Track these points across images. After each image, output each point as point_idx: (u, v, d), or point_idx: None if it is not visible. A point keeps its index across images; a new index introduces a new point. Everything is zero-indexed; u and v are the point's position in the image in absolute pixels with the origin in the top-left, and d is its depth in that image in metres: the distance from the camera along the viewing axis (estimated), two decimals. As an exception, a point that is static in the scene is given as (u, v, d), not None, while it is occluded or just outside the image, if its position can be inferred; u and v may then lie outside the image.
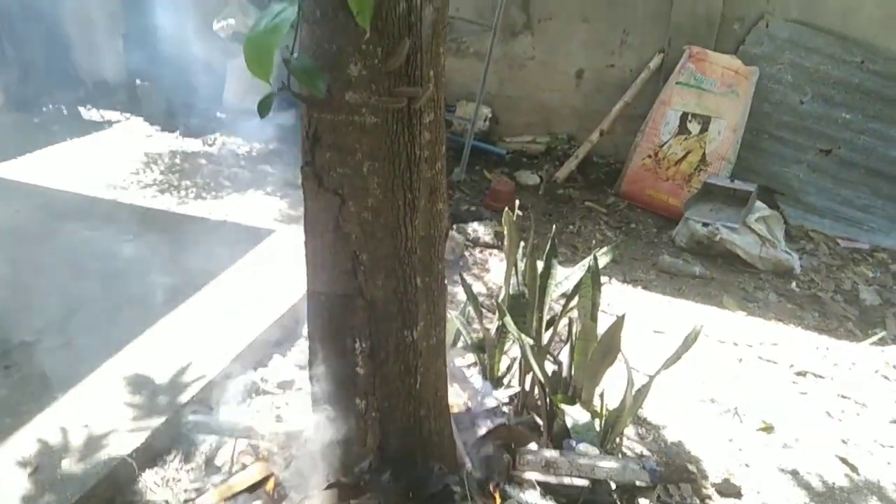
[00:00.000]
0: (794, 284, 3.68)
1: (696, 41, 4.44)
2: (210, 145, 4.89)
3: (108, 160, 4.45)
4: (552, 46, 4.91)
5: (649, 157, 4.47)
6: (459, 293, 2.98)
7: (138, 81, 5.33)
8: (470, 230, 3.86)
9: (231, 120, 5.07)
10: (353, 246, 1.29)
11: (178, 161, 4.55)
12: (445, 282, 1.50)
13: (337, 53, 1.13)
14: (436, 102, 1.27)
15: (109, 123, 5.24)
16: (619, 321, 1.93)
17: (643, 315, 3.24)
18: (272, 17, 0.97)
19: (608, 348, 1.99)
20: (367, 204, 1.26)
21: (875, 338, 3.18)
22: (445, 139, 1.36)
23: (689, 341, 2.02)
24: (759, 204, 3.96)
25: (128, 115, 5.37)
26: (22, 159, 4.38)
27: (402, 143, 1.23)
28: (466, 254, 3.65)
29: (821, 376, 2.87)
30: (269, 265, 3.18)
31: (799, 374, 2.87)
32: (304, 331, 2.78)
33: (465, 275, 3.28)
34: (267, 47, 0.92)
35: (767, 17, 4.38)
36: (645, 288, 3.53)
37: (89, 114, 5.39)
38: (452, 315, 2.39)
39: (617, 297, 3.41)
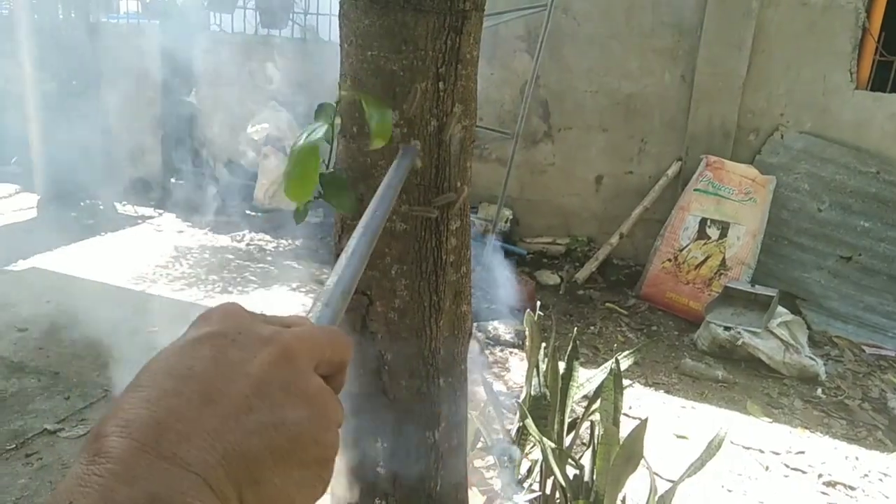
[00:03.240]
0: (819, 391, 3.62)
1: (713, 150, 4.57)
2: (238, 241, 5.03)
3: (139, 254, 4.59)
4: (572, 154, 5.08)
5: (669, 260, 4.52)
6: (479, 392, 2.98)
7: (173, 180, 5.56)
8: (490, 328, 3.89)
9: (260, 218, 5.23)
10: (378, 346, 1.33)
11: (206, 255, 4.67)
12: (468, 385, 1.52)
13: (371, 166, 1.22)
14: (463, 211, 1.33)
15: (143, 219, 5.43)
16: (642, 426, 1.92)
17: (666, 419, 3.20)
18: (309, 134, 1.06)
19: (631, 453, 1.97)
20: (394, 305, 1.31)
21: (905, 449, 3.10)
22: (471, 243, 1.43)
23: (714, 448, 1.99)
24: (780, 309, 3.96)
25: (161, 211, 5.57)
26: (57, 251, 4.53)
27: (429, 249, 1.29)
28: (487, 352, 3.66)
29: (851, 487, 2.79)
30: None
31: (828, 484, 2.79)
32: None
33: (485, 374, 3.28)
34: (305, 166, 0.99)
35: (782, 129, 4.52)
36: (667, 392, 3.50)
37: (125, 209, 5.60)
38: (472, 415, 2.38)
39: (639, 400, 3.38)
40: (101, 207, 5.53)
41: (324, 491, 0.42)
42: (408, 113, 1.18)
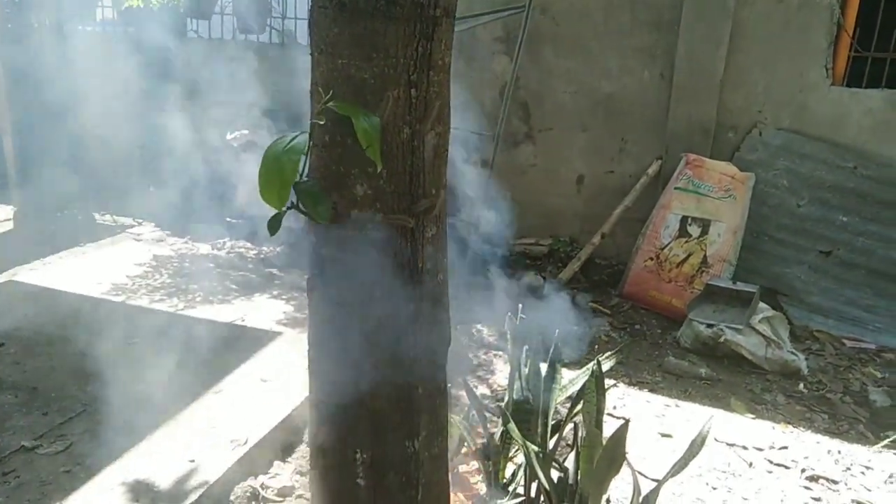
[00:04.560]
0: (801, 386, 3.64)
1: (693, 149, 4.59)
2: (219, 249, 4.99)
3: (117, 264, 4.54)
4: (553, 154, 5.08)
5: (651, 259, 4.53)
6: (463, 396, 2.97)
7: (151, 188, 5.50)
8: (474, 331, 3.88)
9: (240, 225, 5.19)
10: (354, 356, 1.32)
11: (186, 264, 4.63)
12: (448, 390, 1.51)
13: (344, 175, 1.21)
14: (438, 217, 1.33)
15: (122, 228, 5.38)
16: (624, 427, 1.92)
17: (650, 418, 3.21)
18: (286, 142, 1.04)
19: (614, 455, 1.96)
20: (370, 314, 1.30)
21: (887, 441, 3.12)
22: (448, 245, 1.42)
23: (697, 446, 1.99)
24: (762, 305, 3.98)
25: (140, 220, 5.51)
26: (34, 263, 4.47)
27: (405, 256, 1.28)
28: (470, 355, 3.66)
29: (834, 481, 2.80)
30: (274, 368, 3.19)
31: (811, 478, 2.81)
32: (306, 436, 2.76)
33: (468, 377, 3.27)
34: (283, 173, 0.98)
35: (760, 126, 4.55)
36: (651, 390, 3.51)
37: (103, 219, 5.54)
38: (456, 420, 2.37)
39: (623, 399, 3.38)
40: (79, 218, 5.46)
41: None
42: (380, 121, 1.17)
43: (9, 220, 5.35)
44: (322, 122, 1.19)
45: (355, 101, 1.18)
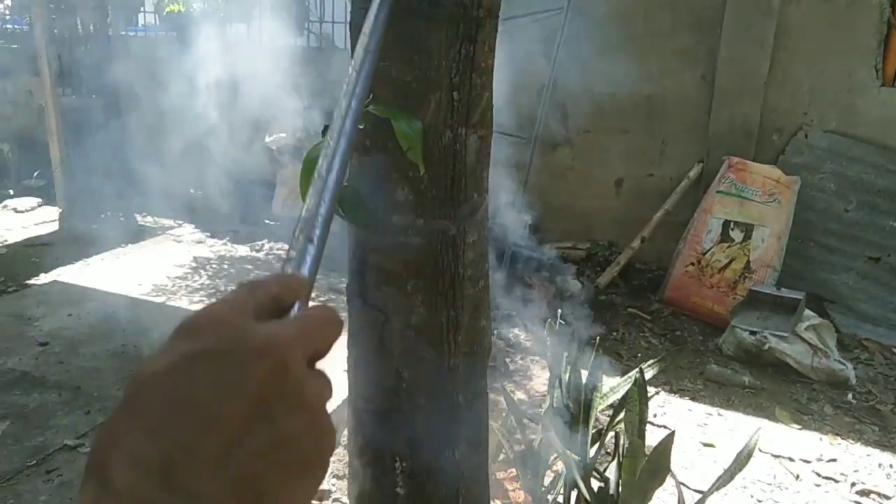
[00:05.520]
0: (850, 396, 3.53)
1: (735, 151, 4.49)
2: (257, 251, 5.03)
3: (158, 265, 4.61)
4: (591, 157, 5.02)
5: (692, 264, 4.44)
6: (500, 402, 2.93)
7: (192, 190, 5.58)
8: (511, 336, 3.84)
9: (279, 227, 5.23)
10: (395, 363, 1.30)
11: (225, 266, 4.68)
12: (488, 398, 1.49)
13: (385, 180, 1.19)
14: (480, 223, 1.30)
15: (163, 230, 5.46)
16: (669, 438, 1.87)
17: (692, 427, 3.14)
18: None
19: (658, 466, 1.91)
20: (411, 321, 1.28)
21: (942, 456, 3.00)
22: (489, 251, 1.39)
23: (743, 459, 1.94)
24: (808, 312, 3.87)
25: (181, 222, 5.59)
26: (78, 264, 4.56)
27: (445, 263, 1.26)
28: (507, 360, 3.62)
29: (886, 496, 2.70)
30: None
31: (862, 493, 2.72)
32: (343, 440, 2.76)
33: (505, 383, 3.24)
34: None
35: (806, 128, 4.43)
36: (692, 398, 3.43)
37: (145, 221, 5.63)
38: (494, 426, 2.34)
39: (664, 407, 3.32)
40: (122, 219, 5.56)
41: (316, 491, 0.43)
42: (422, 125, 1.15)
43: (54, 221, 5.47)
44: (362, 126, 1.17)
45: (397, 103, 1.16)
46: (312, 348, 0.44)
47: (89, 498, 0.36)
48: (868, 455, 3.01)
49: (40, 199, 5.93)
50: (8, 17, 6.24)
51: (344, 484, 2.51)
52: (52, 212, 5.63)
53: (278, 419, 0.39)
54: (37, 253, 4.80)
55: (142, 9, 6.09)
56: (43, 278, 4.32)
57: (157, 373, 0.39)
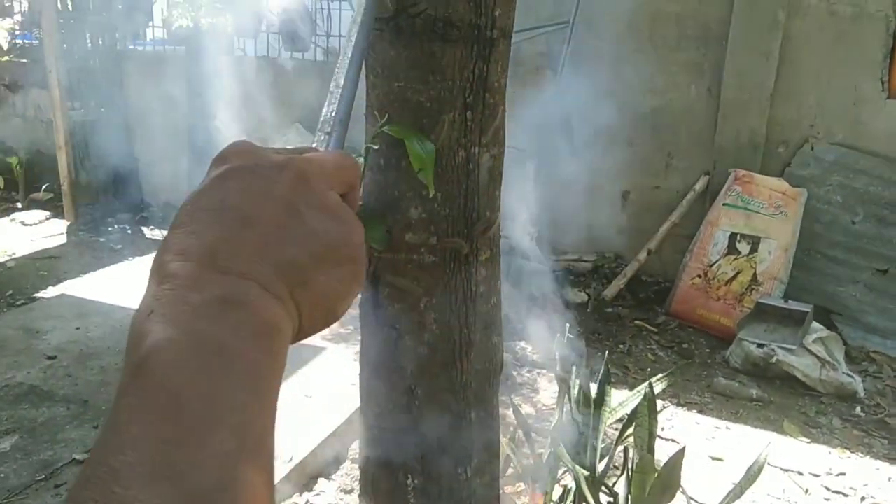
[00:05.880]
0: (858, 409, 3.52)
1: (741, 164, 4.50)
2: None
3: (167, 278, 4.61)
4: (597, 169, 5.02)
5: (699, 276, 4.44)
6: (508, 416, 2.93)
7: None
8: (518, 349, 3.84)
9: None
10: (408, 380, 1.30)
11: (233, 279, 4.68)
12: (499, 414, 1.49)
13: (399, 198, 1.19)
14: (492, 240, 1.31)
15: (170, 242, 5.47)
16: (680, 454, 1.87)
17: (699, 440, 3.13)
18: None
19: (668, 482, 1.91)
20: (423, 339, 1.28)
21: (952, 470, 2.99)
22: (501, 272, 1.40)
23: (754, 474, 1.93)
24: (815, 325, 3.86)
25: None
26: (86, 277, 4.57)
27: (458, 280, 1.26)
28: (514, 373, 3.62)
29: (896, 512, 2.69)
30: (318, 384, 3.19)
31: (872, 509, 2.70)
32: (351, 454, 2.76)
33: (513, 396, 3.23)
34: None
35: (812, 141, 4.43)
36: (700, 411, 3.42)
37: (151, 233, 5.65)
38: (502, 440, 2.34)
39: (671, 420, 3.31)
40: (129, 232, 5.58)
41: (360, 286, 0.49)
42: (436, 144, 1.16)
43: (62, 234, 5.49)
44: (377, 147, 1.18)
45: (411, 124, 1.17)
46: (330, 175, 0.49)
47: (152, 290, 0.41)
48: (877, 469, 3.00)
49: (48, 213, 5.96)
50: (18, 32, 6.28)
51: (354, 499, 2.51)
52: (60, 225, 5.66)
53: (307, 219, 0.44)
54: (45, 266, 4.82)
55: (150, 23, 6.13)
56: (51, 291, 4.34)
57: (192, 194, 0.45)
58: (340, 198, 0.49)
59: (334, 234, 0.46)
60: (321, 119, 0.64)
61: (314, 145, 0.60)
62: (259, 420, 0.38)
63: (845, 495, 2.79)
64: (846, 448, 3.16)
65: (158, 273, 0.41)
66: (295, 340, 0.45)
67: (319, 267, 0.44)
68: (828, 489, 2.83)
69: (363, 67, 0.77)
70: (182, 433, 0.35)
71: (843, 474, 2.94)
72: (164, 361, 0.37)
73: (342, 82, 0.69)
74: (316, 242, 0.44)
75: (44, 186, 6.22)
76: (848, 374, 3.66)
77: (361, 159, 1.07)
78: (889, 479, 2.92)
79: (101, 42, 5.76)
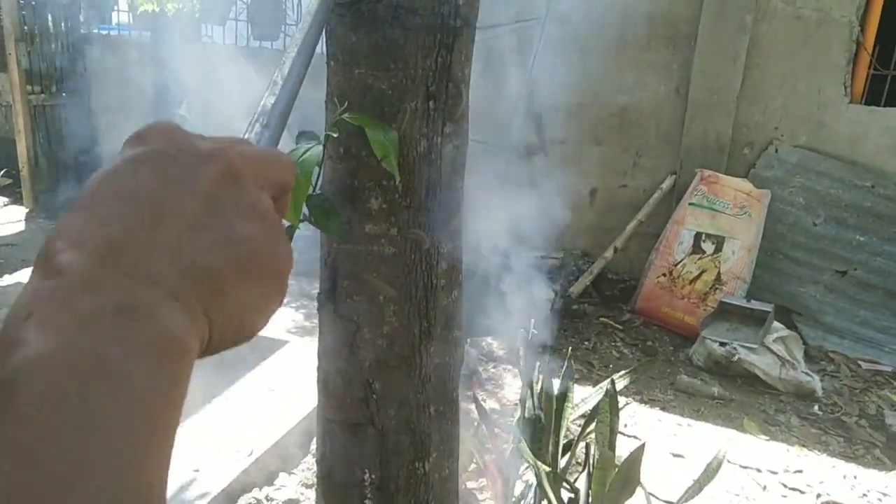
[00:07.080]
0: (816, 407, 3.58)
1: (707, 164, 4.55)
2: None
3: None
4: (566, 167, 5.04)
5: (664, 275, 4.48)
6: (472, 411, 2.92)
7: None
8: (483, 344, 3.83)
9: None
10: (366, 374, 1.28)
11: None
12: (459, 408, 1.47)
13: (358, 188, 1.17)
14: (454, 232, 1.29)
15: (132, 231, 5.37)
16: (640, 450, 1.87)
17: (662, 437, 3.15)
18: (299, 154, 1.01)
19: (628, 478, 1.92)
20: (382, 332, 1.26)
21: (905, 468, 3.06)
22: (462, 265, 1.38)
23: (713, 470, 1.95)
24: (776, 324, 3.92)
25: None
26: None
27: (419, 273, 1.24)
28: (480, 369, 3.61)
29: (850, 508, 2.74)
30: (281, 378, 3.15)
31: (826, 505, 2.75)
32: (313, 448, 2.72)
33: (477, 391, 3.23)
34: (296, 186, 0.95)
35: (776, 143, 4.50)
36: (663, 409, 3.45)
37: (114, 222, 5.53)
38: (465, 436, 2.33)
39: (634, 417, 3.33)
40: (90, 220, 5.46)
41: (280, 302, 0.44)
42: (398, 133, 1.14)
43: (20, 221, 5.35)
44: (336, 135, 1.15)
45: (372, 112, 1.14)
46: (263, 175, 0.43)
47: (34, 284, 0.34)
48: (833, 466, 3.05)
49: (6, 199, 5.81)
50: (-24, 13, 6.10)
51: (312, 493, 2.48)
52: (19, 211, 5.52)
53: (230, 221, 0.38)
54: (1, 253, 4.69)
55: (115, 7, 6.00)
56: (7, 279, 4.23)
57: (100, 174, 0.38)
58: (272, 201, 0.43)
59: (261, 241, 0.40)
60: (258, 109, 0.58)
61: (246, 136, 0.55)
62: (145, 467, 0.31)
63: (802, 492, 2.83)
64: (804, 446, 3.21)
65: (45, 264, 0.34)
66: (202, 356, 0.39)
67: (240, 277, 0.38)
68: (785, 486, 2.87)
69: (315, 56, 0.75)
70: (39, 484, 0.28)
71: (801, 472, 2.99)
72: (32, 385, 0.30)
73: (286, 72, 0.65)
74: (239, 249, 0.38)
75: (2, 172, 6.06)
76: (807, 374, 3.72)
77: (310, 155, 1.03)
78: (844, 477, 2.97)
79: (63, 25, 5.62)
